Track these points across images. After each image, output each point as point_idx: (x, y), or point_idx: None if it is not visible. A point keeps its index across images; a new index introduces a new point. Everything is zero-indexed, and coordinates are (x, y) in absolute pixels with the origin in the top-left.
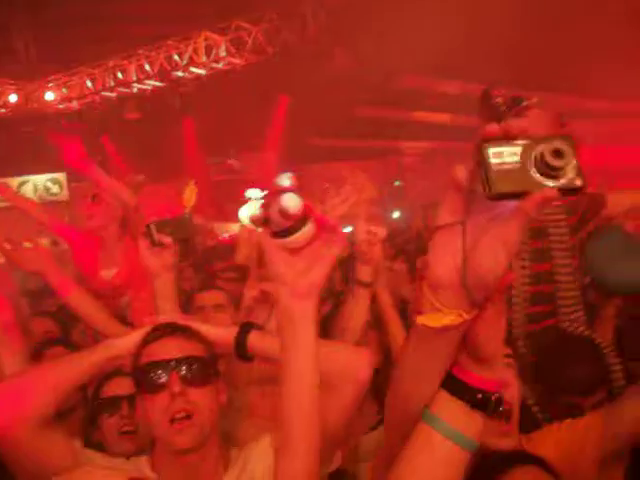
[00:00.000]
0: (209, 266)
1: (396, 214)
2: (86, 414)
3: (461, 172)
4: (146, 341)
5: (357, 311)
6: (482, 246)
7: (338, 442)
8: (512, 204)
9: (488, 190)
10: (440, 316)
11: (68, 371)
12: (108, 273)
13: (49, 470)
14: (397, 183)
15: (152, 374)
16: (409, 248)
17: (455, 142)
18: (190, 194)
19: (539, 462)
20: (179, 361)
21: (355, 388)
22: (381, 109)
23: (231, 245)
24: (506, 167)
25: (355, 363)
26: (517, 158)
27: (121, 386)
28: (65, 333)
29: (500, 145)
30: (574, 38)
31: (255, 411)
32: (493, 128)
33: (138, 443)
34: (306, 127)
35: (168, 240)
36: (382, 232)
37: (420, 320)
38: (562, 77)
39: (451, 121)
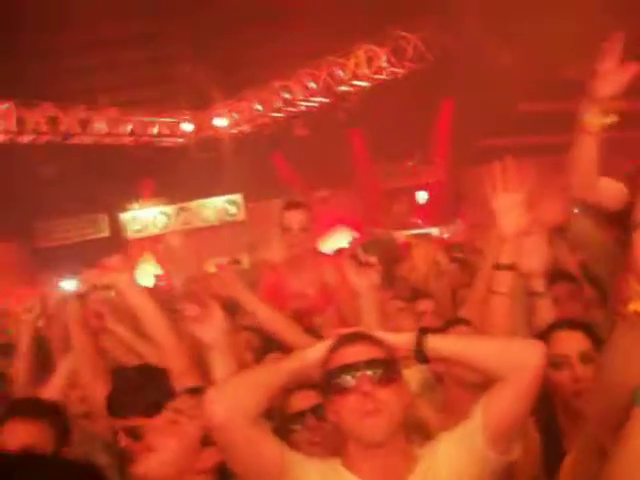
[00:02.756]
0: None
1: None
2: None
3: None
4: (335, 348)
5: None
6: None
7: (517, 432)
8: None
9: None
10: None
11: (272, 375)
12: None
13: (262, 466)
14: None
15: (342, 377)
16: None
17: (629, 131)
18: None
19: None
20: (366, 363)
21: (528, 378)
22: (547, 103)
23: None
24: None
25: (527, 354)
26: None
27: (305, 399)
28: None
29: None
30: None
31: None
32: None
33: (326, 453)
34: (473, 129)
35: (374, 260)
36: None
37: (632, 308)
38: None
39: (624, 109)
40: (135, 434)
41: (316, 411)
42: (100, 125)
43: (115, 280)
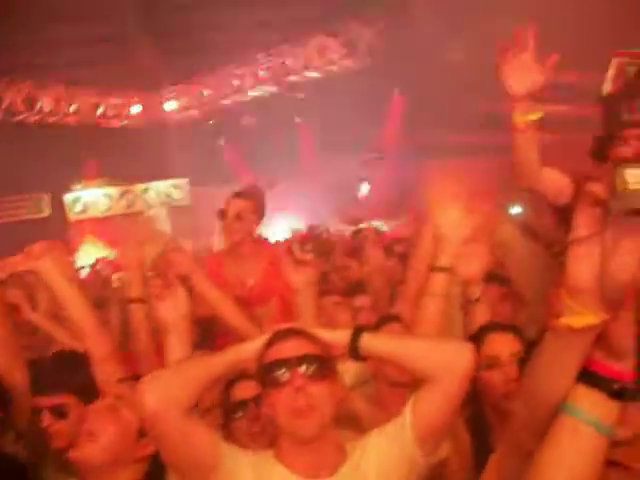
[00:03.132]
0: None
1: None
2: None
3: (596, 187)
4: (270, 342)
5: None
6: (616, 256)
7: (445, 432)
8: None
9: (623, 206)
10: (581, 318)
11: (207, 367)
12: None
13: (194, 458)
14: None
15: (276, 371)
16: None
17: (574, 134)
18: None
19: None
20: (300, 359)
21: (457, 380)
22: (499, 102)
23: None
24: None
25: (456, 355)
26: None
27: (247, 389)
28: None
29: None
30: None
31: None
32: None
33: (265, 443)
34: (423, 124)
35: (310, 257)
36: None
37: (563, 322)
38: None
39: (570, 113)
40: (60, 412)
41: (257, 401)
42: (46, 103)
43: (35, 266)
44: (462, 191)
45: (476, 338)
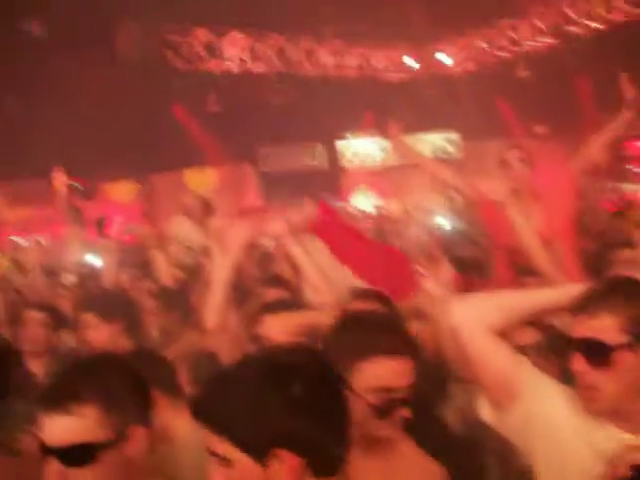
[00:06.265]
0: None
1: None
2: None
3: None
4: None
5: None
6: None
7: None
8: None
9: None
10: None
11: (528, 298)
12: None
13: (492, 375)
14: None
15: None
16: None
17: None
18: None
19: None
20: None
21: None
22: None
23: None
24: None
25: None
26: None
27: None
28: None
29: None
30: None
31: None
32: None
33: None
34: None
35: None
36: None
37: None
38: None
39: None
40: None
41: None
42: (325, 57)
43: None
44: None
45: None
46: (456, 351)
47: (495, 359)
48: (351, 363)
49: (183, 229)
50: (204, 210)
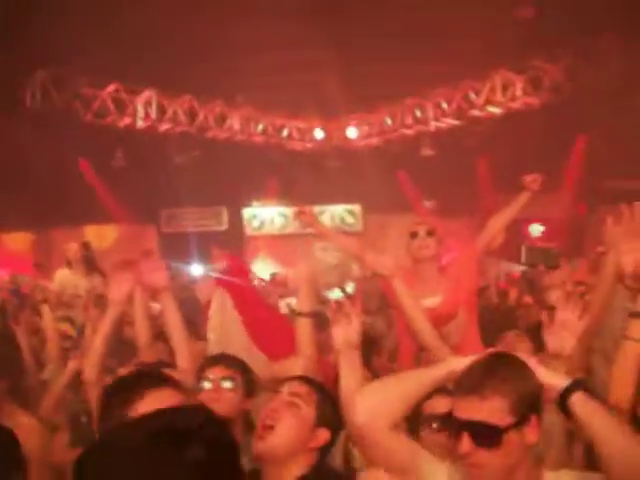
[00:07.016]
0: None
1: None
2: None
3: None
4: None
5: None
6: None
7: None
8: None
9: None
10: None
11: (419, 381)
12: (430, 301)
13: (397, 463)
14: None
15: None
16: None
17: None
18: None
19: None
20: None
21: None
22: None
23: None
24: None
25: None
26: None
27: (441, 405)
28: None
29: None
30: None
31: None
32: None
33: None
34: (601, 168)
35: None
36: None
37: None
38: None
39: None
40: None
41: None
42: (234, 122)
43: None
44: None
45: None
46: (359, 445)
47: (398, 452)
48: None
49: (64, 280)
50: (86, 262)
